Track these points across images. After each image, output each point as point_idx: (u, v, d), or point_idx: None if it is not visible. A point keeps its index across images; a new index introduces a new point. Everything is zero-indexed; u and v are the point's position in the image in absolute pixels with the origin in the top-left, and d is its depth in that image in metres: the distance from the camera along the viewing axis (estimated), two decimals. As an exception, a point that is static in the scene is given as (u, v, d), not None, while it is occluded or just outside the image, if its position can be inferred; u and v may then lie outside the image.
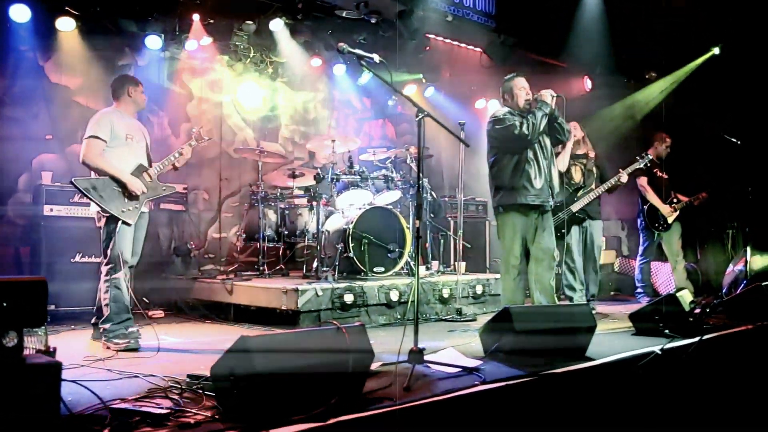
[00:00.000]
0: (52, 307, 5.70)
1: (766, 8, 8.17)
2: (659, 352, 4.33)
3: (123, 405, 2.82)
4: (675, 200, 7.72)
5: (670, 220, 7.67)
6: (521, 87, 5.44)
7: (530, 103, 5.36)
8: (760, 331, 5.52)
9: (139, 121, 5.20)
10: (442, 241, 7.90)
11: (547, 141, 5.41)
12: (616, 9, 9.07)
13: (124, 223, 4.72)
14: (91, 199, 4.67)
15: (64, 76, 6.89)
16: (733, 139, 7.73)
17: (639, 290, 7.99)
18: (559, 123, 5.41)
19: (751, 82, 8.42)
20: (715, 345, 4.88)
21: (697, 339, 4.76)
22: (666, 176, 7.84)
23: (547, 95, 5.30)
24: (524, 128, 5.14)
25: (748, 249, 7.39)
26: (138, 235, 4.96)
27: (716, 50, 9.32)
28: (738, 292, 6.81)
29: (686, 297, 5.38)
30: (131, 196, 4.77)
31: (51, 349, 2.79)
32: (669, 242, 7.79)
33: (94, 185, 4.67)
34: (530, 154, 5.25)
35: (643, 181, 7.76)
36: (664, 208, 7.67)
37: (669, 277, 8.10)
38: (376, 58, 3.96)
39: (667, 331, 4.95)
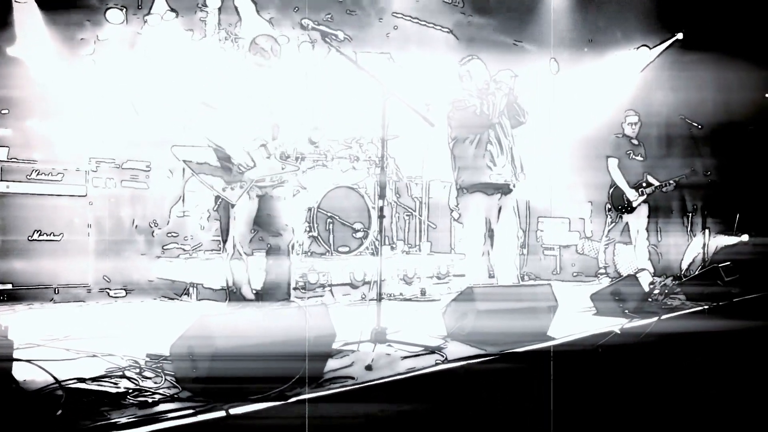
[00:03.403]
0: (9, 286, 5.58)
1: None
2: (618, 332, 4.41)
3: (79, 385, 2.77)
4: (644, 183, 7.73)
5: (635, 203, 7.71)
6: (478, 69, 5.47)
7: (488, 83, 5.39)
8: (715, 311, 5.66)
9: None
10: (407, 220, 7.91)
11: (507, 122, 5.44)
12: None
13: None
14: None
15: (21, 50, 6.67)
16: (694, 123, 7.85)
17: (601, 271, 8.09)
18: (518, 104, 5.45)
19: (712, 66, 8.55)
20: (673, 324, 4.99)
21: (655, 319, 4.86)
22: (640, 158, 7.85)
23: (506, 76, 5.33)
24: (484, 108, 5.17)
25: (707, 231, 7.54)
26: None
27: (679, 35, 9.42)
28: (696, 273, 6.97)
29: (645, 278, 5.48)
30: None
31: (2, 328, 2.72)
32: (635, 223, 7.83)
33: None
34: (492, 135, 5.29)
35: (612, 162, 7.79)
36: (630, 192, 7.71)
37: (631, 258, 8.21)
38: (341, 35, 3.92)
39: (626, 311, 5.04)
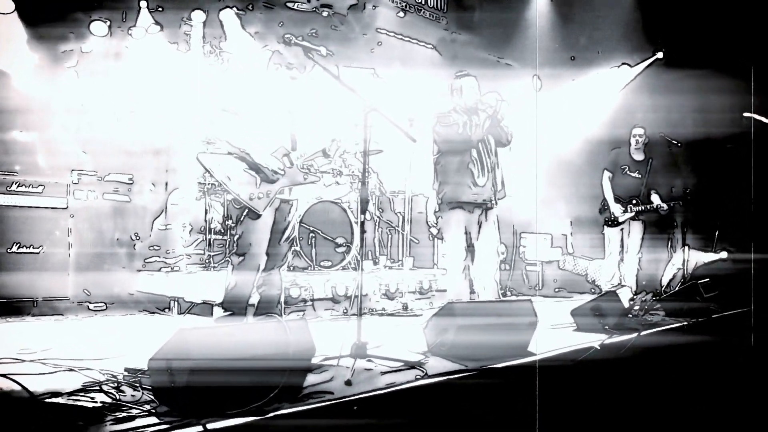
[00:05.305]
0: (-13, 299, 5.52)
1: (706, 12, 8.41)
2: (598, 348, 4.44)
3: (56, 399, 2.75)
4: (634, 201, 7.67)
5: (621, 219, 7.68)
6: (470, 86, 5.52)
7: (477, 103, 5.44)
8: (695, 328, 5.71)
9: None
10: (389, 235, 7.92)
11: (492, 141, 5.49)
12: (565, 7, 9.23)
13: None
14: None
15: (3, 61, 6.64)
16: (674, 141, 7.92)
17: (592, 288, 7.96)
18: (502, 126, 5.51)
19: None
20: (653, 340, 5.03)
21: (635, 335, 4.90)
22: (637, 175, 7.76)
23: (493, 99, 5.39)
24: (467, 128, 5.22)
25: (686, 248, 7.59)
26: None
27: (659, 55, 9.55)
28: (675, 289, 7.02)
29: (626, 294, 5.51)
30: None
31: (-21, 342, 2.70)
32: (630, 239, 7.80)
33: None
34: (474, 153, 5.34)
35: (604, 175, 7.76)
36: (615, 207, 7.69)
37: (615, 273, 8.15)
38: (323, 50, 3.94)
39: (606, 327, 5.07)
